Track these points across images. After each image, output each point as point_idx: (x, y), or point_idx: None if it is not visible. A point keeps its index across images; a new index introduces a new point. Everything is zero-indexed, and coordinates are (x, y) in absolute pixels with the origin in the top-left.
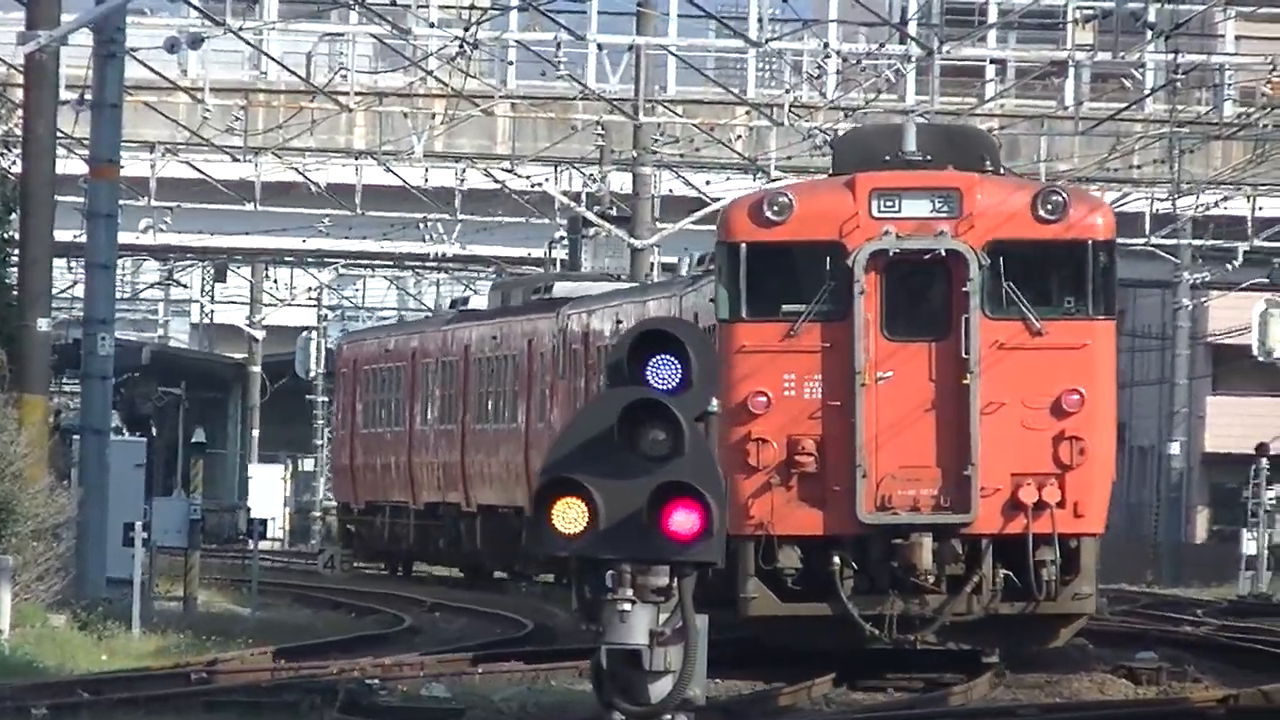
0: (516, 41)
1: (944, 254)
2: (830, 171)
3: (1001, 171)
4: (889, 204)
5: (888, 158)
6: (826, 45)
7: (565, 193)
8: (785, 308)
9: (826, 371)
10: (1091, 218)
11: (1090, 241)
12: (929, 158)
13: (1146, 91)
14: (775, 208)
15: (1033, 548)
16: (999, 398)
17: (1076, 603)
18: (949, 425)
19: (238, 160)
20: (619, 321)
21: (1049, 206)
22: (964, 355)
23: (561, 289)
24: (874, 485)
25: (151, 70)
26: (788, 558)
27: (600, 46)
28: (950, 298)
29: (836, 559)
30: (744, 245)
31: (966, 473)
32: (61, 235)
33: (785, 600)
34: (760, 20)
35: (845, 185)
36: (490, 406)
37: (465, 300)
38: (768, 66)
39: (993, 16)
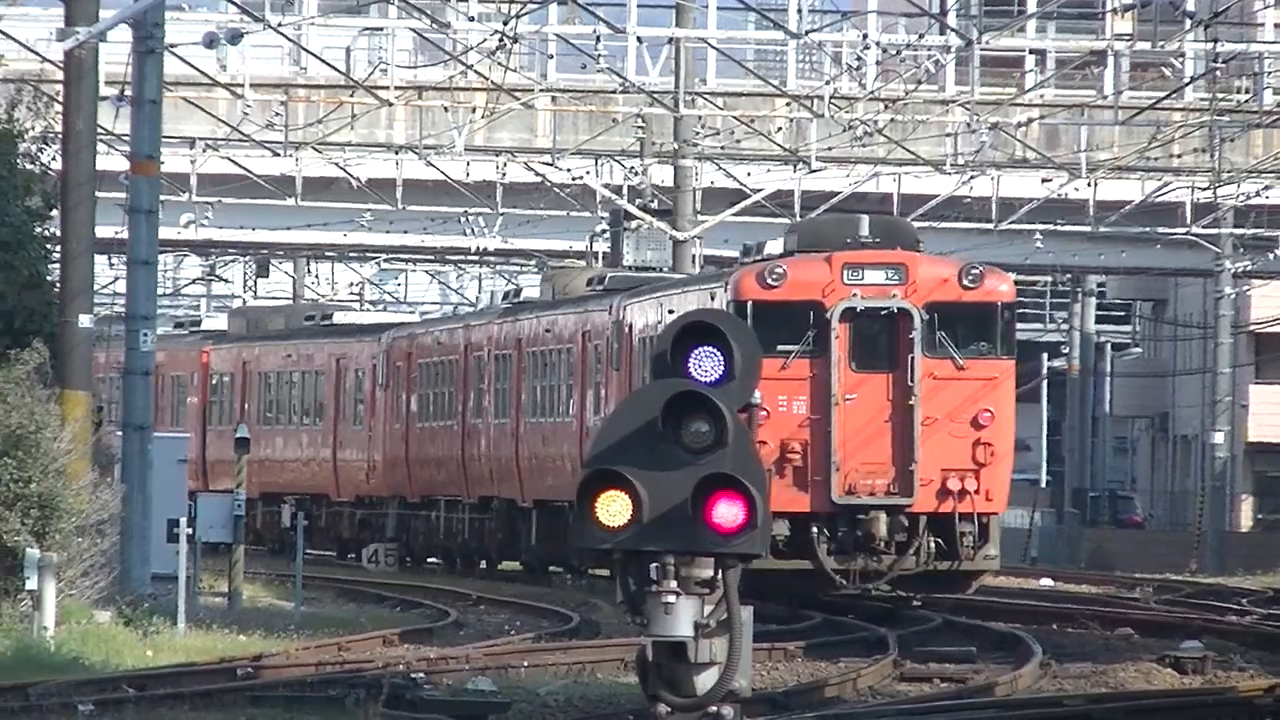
0: (556, 35)
1: (895, 311)
2: (796, 249)
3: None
4: (855, 274)
5: (849, 240)
6: (866, 36)
7: (606, 185)
8: (780, 347)
9: (809, 394)
10: (1000, 286)
11: (999, 303)
12: (878, 240)
13: (1186, 80)
14: (774, 276)
15: (956, 522)
16: (933, 414)
17: (986, 561)
18: (898, 433)
19: (278, 155)
20: (439, 343)
21: (970, 278)
22: (909, 384)
23: (341, 317)
24: (843, 476)
25: (191, 66)
26: (779, 528)
27: (640, 39)
28: (899, 342)
29: (815, 529)
30: (751, 302)
31: (910, 468)
32: (103, 231)
33: (777, 558)
34: (800, 12)
35: (824, 260)
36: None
37: (198, 321)
38: (807, 58)
39: (1032, 6)
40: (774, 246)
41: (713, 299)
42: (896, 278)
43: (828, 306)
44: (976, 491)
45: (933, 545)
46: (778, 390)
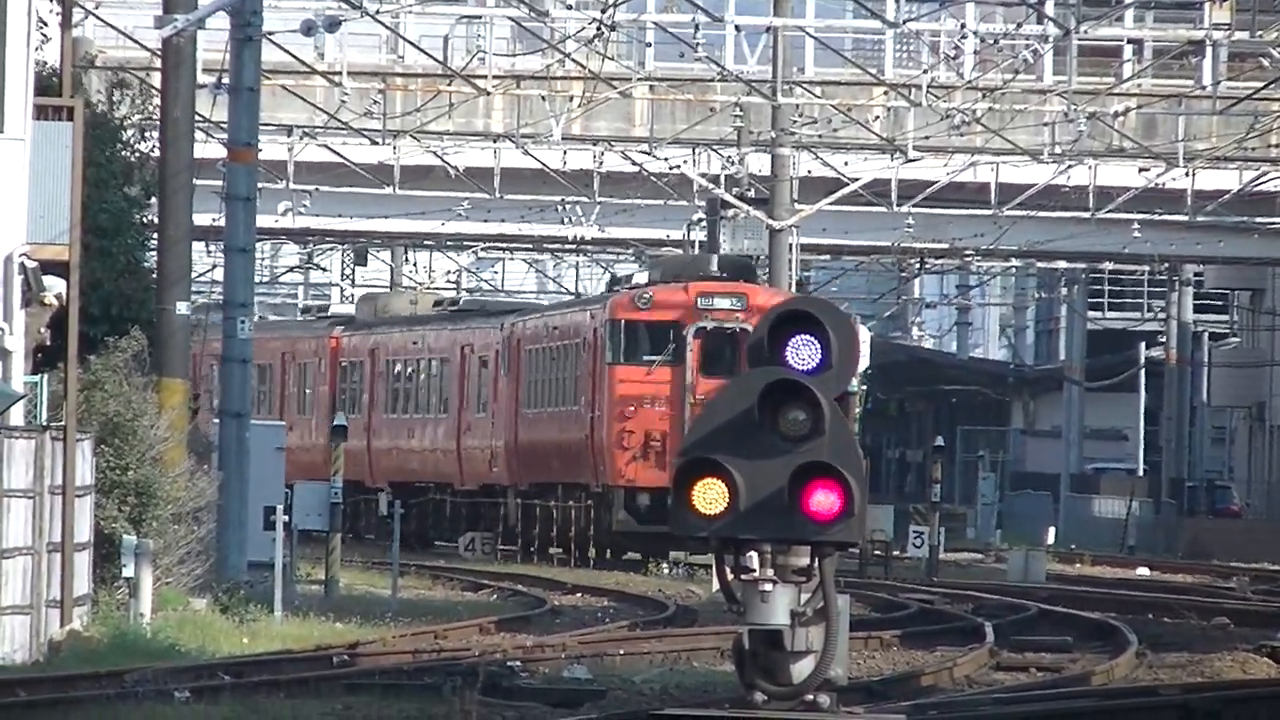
0: (654, 23)
1: (737, 330)
2: (659, 279)
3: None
4: (708, 300)
5: (702, 273)
6: (964, 25)
7: (703, 174)
8: (646, 357)
9: (669, 394)
10: None
11: None
12: (725, 275)
13: None
14: (643, 300)
15: None
16: None
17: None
18: None
19: (376, 143)
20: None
21: None
22: None
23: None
24: None
25: (289, 54)
26: (642, 499)
27: (738, 28)
28: (739, 354)
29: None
30: (624, 321)
31: None
32: (200, 219)
33: (640, 523)
34: (898, 1)
35: (683, 289)
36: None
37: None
38: (905, 47)
39: None
40: (640, 278)
41: (593, 318)
42: (739, 304)
43: (685, 325)
44: None
45: None
46: (643, 390)
